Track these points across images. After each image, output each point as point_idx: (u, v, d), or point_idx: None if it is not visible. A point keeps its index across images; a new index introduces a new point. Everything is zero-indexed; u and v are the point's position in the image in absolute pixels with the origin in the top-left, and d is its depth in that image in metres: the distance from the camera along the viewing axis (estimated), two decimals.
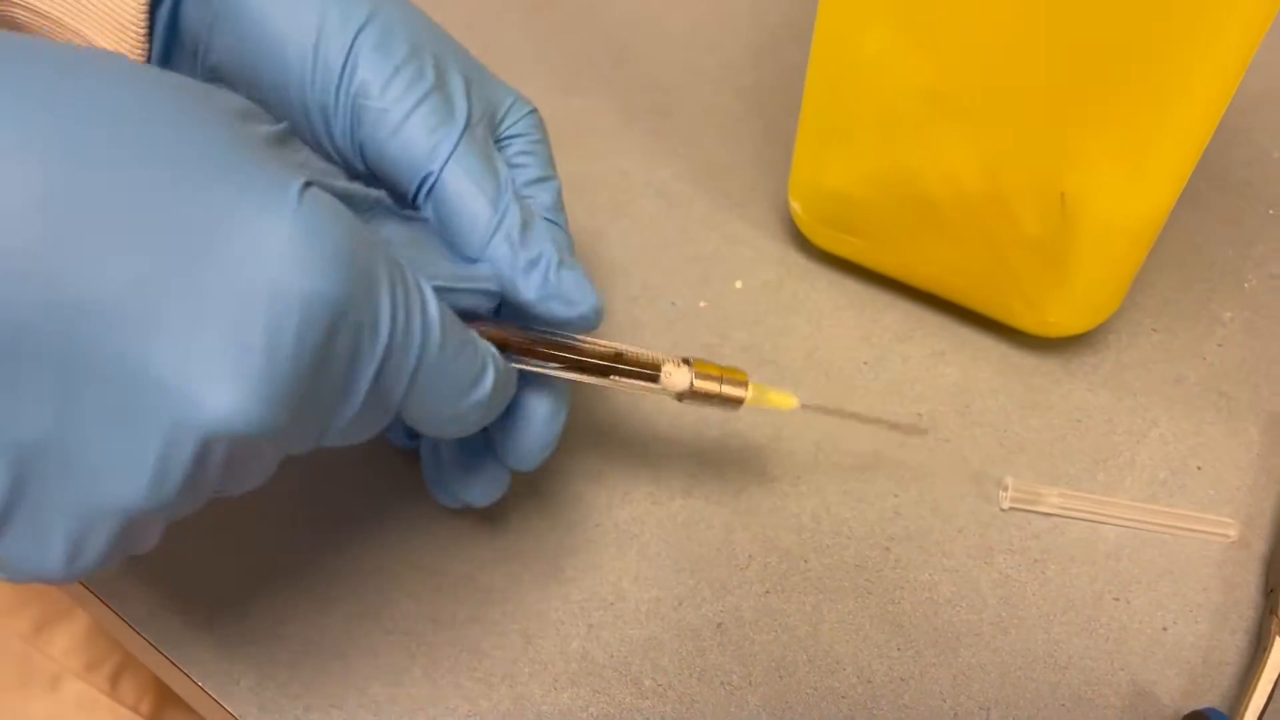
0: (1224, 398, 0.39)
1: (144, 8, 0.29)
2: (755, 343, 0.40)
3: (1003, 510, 0.36)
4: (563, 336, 0.29)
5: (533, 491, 0.36)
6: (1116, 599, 0.35)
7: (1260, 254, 0.44)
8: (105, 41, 0.29)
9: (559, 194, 0.32)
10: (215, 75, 0.30)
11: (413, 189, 0.29)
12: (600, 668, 0.33)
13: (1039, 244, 0.36)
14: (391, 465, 0.36)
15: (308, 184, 0.21)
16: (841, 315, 0.41)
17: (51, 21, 0.29)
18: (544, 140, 0.33)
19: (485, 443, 0.32)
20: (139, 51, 0.29)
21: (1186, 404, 0.39)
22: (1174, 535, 0.36)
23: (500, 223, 0.29)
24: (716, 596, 0.34)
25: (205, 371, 0.20)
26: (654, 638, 0.33)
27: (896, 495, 0.37)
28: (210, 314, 0.20)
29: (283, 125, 0.24)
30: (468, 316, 0.27)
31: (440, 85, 0.29)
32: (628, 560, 0.35)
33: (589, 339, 0.30)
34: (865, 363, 0.40)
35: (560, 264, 0.29)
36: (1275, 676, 0.32)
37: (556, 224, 0.31)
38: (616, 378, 0.30)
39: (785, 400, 0.32)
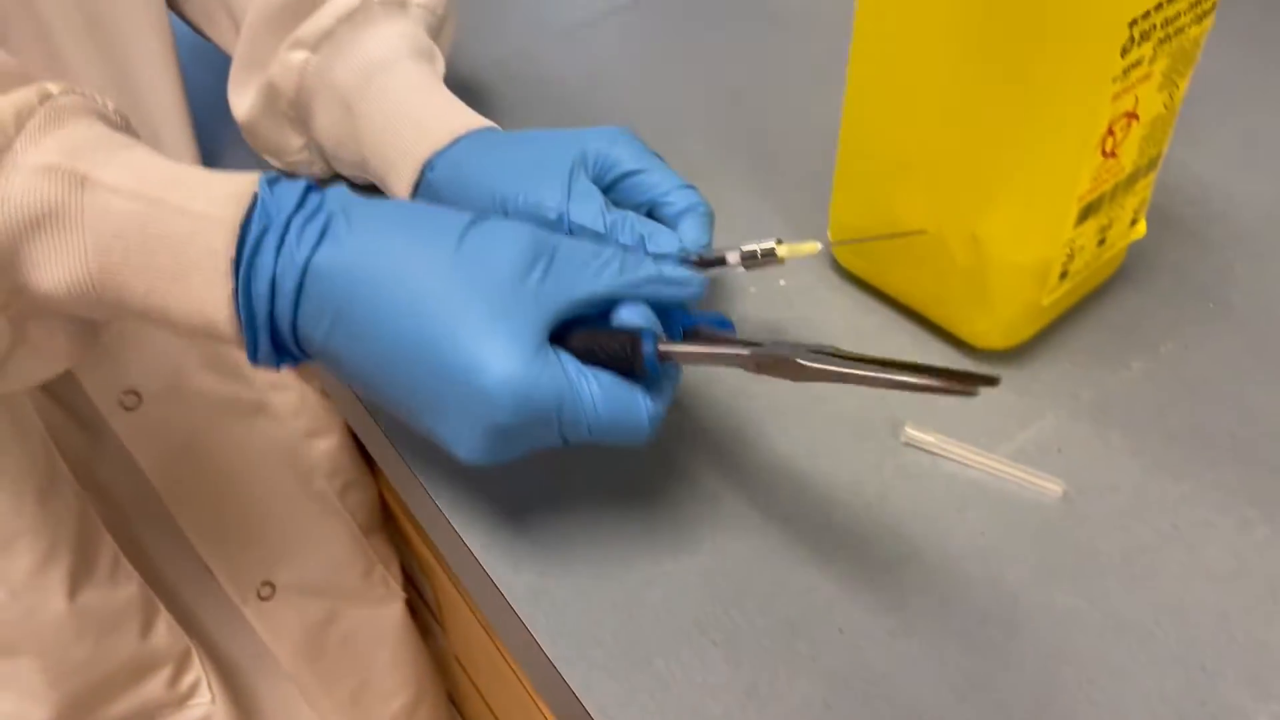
0: (1102, 412, 0.53)
1: None
2: (779, 321, 0.59)
3: (902, 444, 0.53)
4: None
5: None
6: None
7: (1185, 333, 0.57)
8: None
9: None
10: None
11: None
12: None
13: (966, 274, 0.53)
14: None
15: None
16: (845, 314, 0.59)
17: None
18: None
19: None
20: None
21: (1073, 411, 0.53)
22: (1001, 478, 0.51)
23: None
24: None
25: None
26: None
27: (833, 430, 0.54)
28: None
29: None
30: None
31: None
32: None
33: None
34: (850, 347, 0.58)
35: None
36: None
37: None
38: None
39: (809, 247, 0.49)
